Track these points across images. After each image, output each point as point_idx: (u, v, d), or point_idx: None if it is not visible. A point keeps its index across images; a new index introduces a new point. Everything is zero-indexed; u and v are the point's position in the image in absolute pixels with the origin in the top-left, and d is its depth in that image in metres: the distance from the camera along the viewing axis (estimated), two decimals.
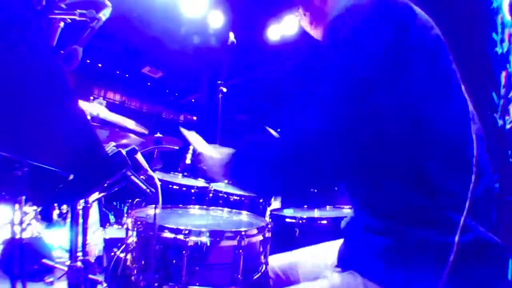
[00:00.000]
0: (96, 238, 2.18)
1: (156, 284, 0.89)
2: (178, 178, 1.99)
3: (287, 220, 1.69)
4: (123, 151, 0.67)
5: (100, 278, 1.46)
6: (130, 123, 1.68)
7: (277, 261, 1.06)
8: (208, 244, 0.92)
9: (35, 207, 2.70)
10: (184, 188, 1.70)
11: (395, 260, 0.65)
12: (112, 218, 2.83)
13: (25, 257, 1.78)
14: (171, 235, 0.92)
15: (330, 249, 0.94)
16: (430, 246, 0.63)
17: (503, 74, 1.63)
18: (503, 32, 1.64)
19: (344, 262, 0.78)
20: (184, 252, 0.89)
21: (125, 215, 2.76)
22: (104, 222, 2.74)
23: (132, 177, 0.73)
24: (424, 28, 0.70)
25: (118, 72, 5.27)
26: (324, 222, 1.67)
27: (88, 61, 4.67)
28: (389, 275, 0.65)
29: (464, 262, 0.62)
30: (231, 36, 2.36)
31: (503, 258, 0.67)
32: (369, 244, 0.70)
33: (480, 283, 0.63)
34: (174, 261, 0.91)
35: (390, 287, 0.65)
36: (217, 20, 4.13)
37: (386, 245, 0.66)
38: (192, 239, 0.91)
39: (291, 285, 0.94)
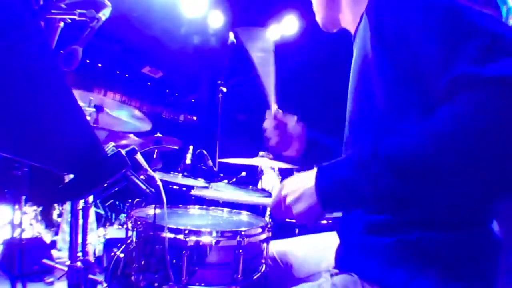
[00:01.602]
0: (91, 238, 2.18)
1: (156, 284, 0.89)
2: (178, 178, 1.98)
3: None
4: (123, 151, 0.67)
5: (100, 278, 1.46)
6: None
7: (275, 247, 1.06)
8: (208, 244, 0.92)
9: (35, 207, 2.70)
10: (184, 188, 1.70)
11: (397, 261, 0.64)
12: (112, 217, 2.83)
13: (25, 257, 1.78)
14: (171, 235, 0.92)
15: (328, 239, 0.94)
16: (436, 245, 0.62)
17: None
18: (508, 17, 1.77)
19: (342, 264, 0.78)
20: (184, 252, 0.89)
21: (125, 215, 2.76)
22: (103, 222, 2.74)
23: (132, 177, 0.73)
24: None
25: (118, 72, 5.26)
26: (324, 222, 1.67)
27: (88, 61, 4.66)
28: (389, 276, 0.64)
29: (467, 260, 0.62)
30: (231, 36, 2.36)
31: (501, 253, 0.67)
32: (369, 245, 0.69)
33: (480, 281, 0.62)
34: (174, 261, 0.91)
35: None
36: (217, 20, 4.13)
37: (389, 245, 0.65)
38: (192, 239, 0.91)
39: (286, 273, 0.94)
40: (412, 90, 0.61)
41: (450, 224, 0.62)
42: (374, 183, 0.56)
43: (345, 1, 0.87)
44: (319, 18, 0.96)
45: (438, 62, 0.54)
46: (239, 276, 0.92)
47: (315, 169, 0.66)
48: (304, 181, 0.66)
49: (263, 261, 1.04)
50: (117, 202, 3.00)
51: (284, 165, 2.51)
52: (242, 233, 0.95)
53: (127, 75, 5.35)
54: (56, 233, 2.72)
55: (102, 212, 2.81)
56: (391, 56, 0.62)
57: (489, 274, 0.63)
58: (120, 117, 1.95)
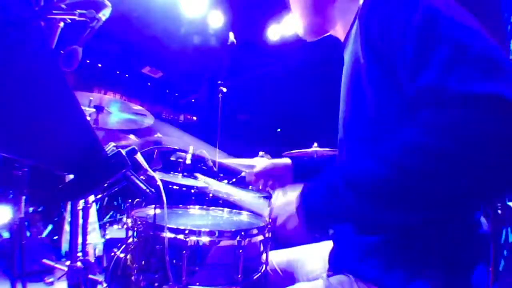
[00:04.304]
0: (92, 238, 2.18)
1: (156, 284, 0.89)
2: (178, 178, 1.98)
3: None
4: (123, 151, 0.67)
5: (100, 278, 1.46)
6: None
7: (276, 258, 1.06)
8: (208, 244, 0.92)
9: (35, 207, 2.71)
10: (184, 188, 1.70)
11: (390, 259, 0.65)
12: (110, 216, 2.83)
13: (25, 257, 1.78)
14: (171, 235, 0.92)
15: (329, 248, 0.95)
16: (424, 241, 0.63)
17: None
18: None
19: (336, 266, 0.78)
20: (184, 252, 0.89)
21: (125, 214, 2.76)
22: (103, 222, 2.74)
23: (132, 177, 0.73)
24: None
25: (118, 72, 5.26)
26: None
27: (88, 61, 4.66)
28: (382, 275, 0.65)
29: (459, 256, 0.63)
30: (231, 36, 2.35)
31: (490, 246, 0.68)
32: (361, 245, 0.69)
33: (470, 275, 0.63)
34: (174, 261, 0.91)
35: (384, 287, 0.64)
36: (217, 20, 4.13)
37: (380, 244, 0.66)
38: (192, 239, 0.91)
39: (288, 282, 0.94)
40: (395, 95, 0.62)
41: (436, 221, 0.62)
42: (346, 210, 0.61)
43: (336, 10, 0.86)
44: (301, 26, 0.93)
45: (410, 69, 0.55)
46: (239, 276, 0.92)
47: (297, 194, 0.73)
48: (288, 206, 0.74)
49: (263, 261, 1.04)
50: (114, 202, 3.00)
51: None
52: (242, 233, 0.95)
53: (127, 75, 5.36)
54: (56, 233, 2.72)
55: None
56: (378, 61, 0.63)
57: (474, 265, 0.63)
58: (122, 115, 1.96)
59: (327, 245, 1.00)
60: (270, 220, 0.83)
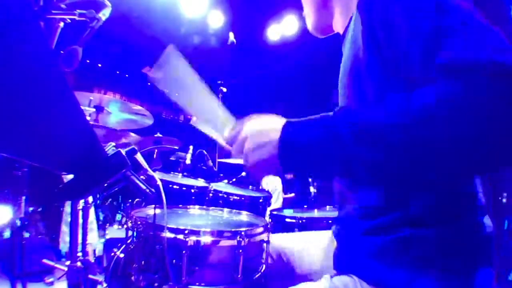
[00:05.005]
0: (91, 238, 2.18)
1: (156, 284, 0.89)
2: (178, 178, 1.98)
3: (287, 220, 1.69)
4: (123, 151, 0.67)
5: (100, 278, 1.46)
6: None
7: (273, 242, 1.06)
8: (208, 244, 0.92)
9: (35, 207, 2.71)
10: (184, 188, 1.70)
11: (394, 260, 0.64)
12: (118, 217, 2.84)
13: (25, 257, 1.78)
14: (171, 235, 0.92)
15: (326, 237, 0.95)
16: (428, 241, 0.62)
17: None
18: None
19: (341, 266, 0.78)
20: (184, 252, 0.89)
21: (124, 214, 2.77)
22: (103, 222, 2.74)
23: (132, 177, 0.73)
24: None
25: (118, 72, 5.26)
26: (324, 222, 1.67)
27: (88, 61, 4.66)
28: (388, 276, 0.64)
29: (456, 254, 0.62)
30: (231, 36, 2.35)
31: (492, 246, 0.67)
32: (365, 246, 0.69)
33: (474, 276, 0.62)
34: (174, 261, 0.91)
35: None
36: (217, 20, 4.13)
37: (384, 245, 0.66)
38: (192, 239, 0.91)
39: (283, 268, 0.94)
40: (398, 87, 0.60)
41: (439, 219, 0.63)
42: (342, 149, 0.55)
43: (336, 5, 0.87)
44: (309, 22, 0.95)
45: (420, 55, 0.55)
46: (239, 276, 0.92)
47: (283, 121, 0.63)
48: (269, 132, 0.63)
49: (263, 261, 1.04)
50: (114, 203, 3.00)
51: None
52: (242, 233, 0.95)
53: (127, 75, 5.35)
54: (54, 234, 2.72)
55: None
56: (380, 51, 0.62)
57: (478, 267, 0.63)
58: (122, 115, 1.96)
59: (326, 235, 1.00)
60: (235, 136, 0.69)
